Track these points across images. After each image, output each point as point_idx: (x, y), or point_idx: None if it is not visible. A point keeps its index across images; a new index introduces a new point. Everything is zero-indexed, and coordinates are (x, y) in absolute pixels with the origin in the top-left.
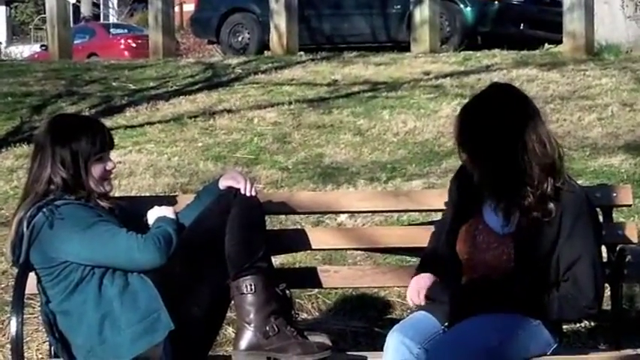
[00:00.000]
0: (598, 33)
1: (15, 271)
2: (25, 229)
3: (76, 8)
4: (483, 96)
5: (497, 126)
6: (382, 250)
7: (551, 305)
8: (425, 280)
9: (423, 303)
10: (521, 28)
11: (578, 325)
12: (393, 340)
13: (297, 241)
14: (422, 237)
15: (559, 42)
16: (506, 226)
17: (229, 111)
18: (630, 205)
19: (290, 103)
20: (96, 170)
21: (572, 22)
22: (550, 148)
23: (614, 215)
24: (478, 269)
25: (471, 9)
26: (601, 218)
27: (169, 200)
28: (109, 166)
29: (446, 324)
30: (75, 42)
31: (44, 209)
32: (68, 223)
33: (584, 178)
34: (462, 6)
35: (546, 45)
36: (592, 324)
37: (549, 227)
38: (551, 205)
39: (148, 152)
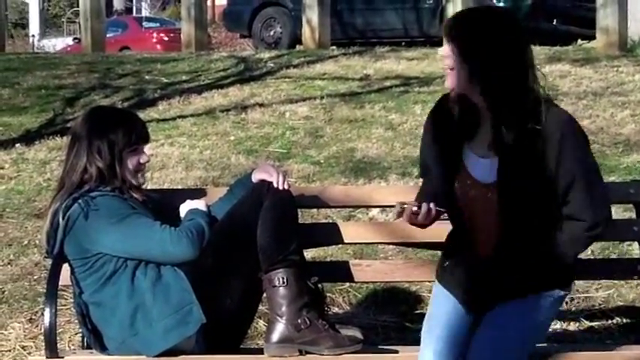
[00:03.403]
0: (631, 29)
1: (48, 262)
2: (60, 219)
3: (109, 1)
4: (479, 10)
5: (500, 37)
6: (414, 245)
7: (562, 247)
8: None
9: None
10: (554, 23)
11: (610, 321)
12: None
13: (329, 235)
14: None
15: (592, 38)
16: (492, 174)
17: (261, 105)
18: None
19: (322, 97)
20: (130, 162)
21: (606, 18)
22: (539, 74)
23: None
24: (483, 231)
25: (504, 4)
26: (634, 215)
27: (201, 193)
28: (144, 159)
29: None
30: (107, 35)
31: (80, 200)
32: (103, 215)
33: (617, 174)
34: (495, 1)
35: (579, 41)
36: (624, 320)
37: (538, 159)
38: (537, 132)
39: (180, 145)
